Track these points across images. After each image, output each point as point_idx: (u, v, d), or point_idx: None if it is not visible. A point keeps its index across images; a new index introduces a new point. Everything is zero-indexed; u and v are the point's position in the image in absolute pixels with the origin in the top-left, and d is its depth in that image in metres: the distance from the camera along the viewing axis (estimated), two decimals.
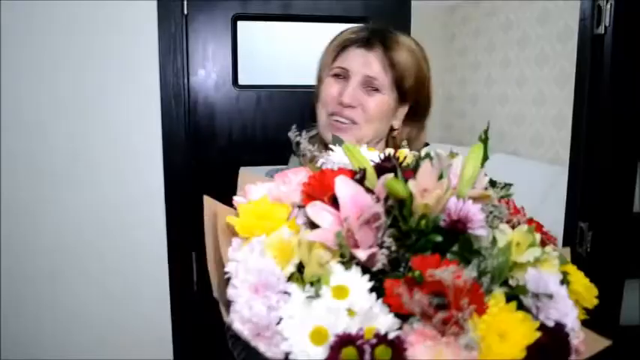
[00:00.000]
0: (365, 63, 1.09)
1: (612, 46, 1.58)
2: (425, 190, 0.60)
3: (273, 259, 0.59)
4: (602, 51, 1.60)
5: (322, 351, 0.51)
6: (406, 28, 2.01)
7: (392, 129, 1.17)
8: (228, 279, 0.59)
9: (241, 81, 1.95)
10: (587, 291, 0.66)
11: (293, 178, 0.69)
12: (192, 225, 1.90)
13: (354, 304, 0.54)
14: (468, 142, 4.57)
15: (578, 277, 0.66)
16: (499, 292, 0.58)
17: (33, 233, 1.82)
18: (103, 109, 1.80)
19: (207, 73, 1.90)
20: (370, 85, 1.10)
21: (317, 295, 0.55)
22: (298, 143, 0.77)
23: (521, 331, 0.55)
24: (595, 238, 1.68)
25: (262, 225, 0.62)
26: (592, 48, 1.62)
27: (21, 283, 1.84)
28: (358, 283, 0.56)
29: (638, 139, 1.66)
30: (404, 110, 1.16)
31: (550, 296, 0.58)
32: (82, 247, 1.86)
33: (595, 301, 0.66)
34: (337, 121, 1.11)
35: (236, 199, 0.69)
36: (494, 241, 0.61)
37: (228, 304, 0.59)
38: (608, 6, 1.56)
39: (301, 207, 0.65)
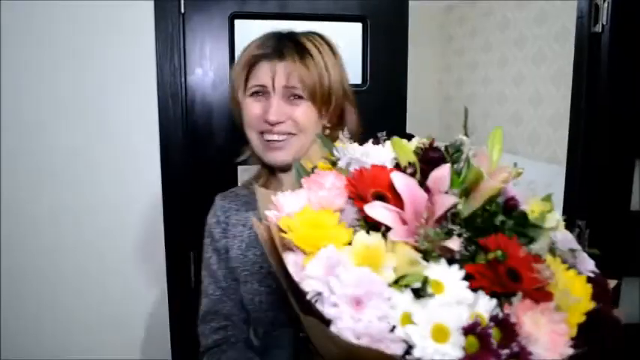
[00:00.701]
0: (280, 75, 1.07)
1: (609, 44, 1.59)
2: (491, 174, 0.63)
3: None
4: (599, 49, 1.61)
5: (450, 347, 0.52)
6: (404, 28, 2.01)
7: (324, 128, 1.16)
8: (312, 298, 0.57)
9: None
10: None
11: (325, 182, 0.67)
12: (190, 224, 1.91)
13: (455, 295, 0.55)
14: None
15: None
16: (549, 257, 0.63)
17: (33, 233, 1.82)
18: (103, 109, 1.81)
19: (205, 72, 1.90)
20: (292, 95, 1.08)
21: (427, 295, 0.55)
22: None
23: (579, 286, 0.61)
24: (592, 236, 1.69)
25: (328, 235, 0.60)
26: (589, 46, 1.64)
27: (21, 283, 1.84)
28: (449, 274, 0.57)
29: (635, 137, 1.67)
30: (328, 109, 1.14)
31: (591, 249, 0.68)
32: (82, 247, 1.86)
33: None
34: (270, 140, 1.09)
35: (268, 214, 0.67)
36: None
37: (323, 323, 0.56)
38: (606, 4, 1.57)
39: (341, 210, 0.65)
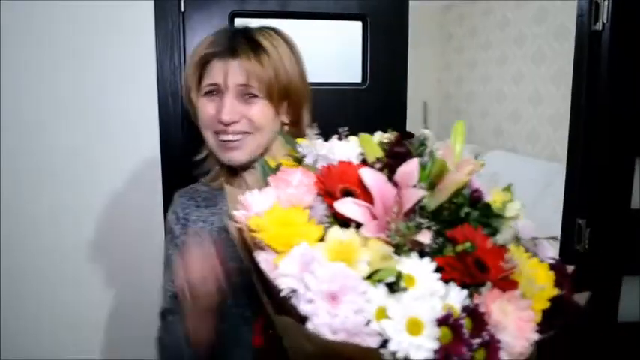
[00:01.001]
0: (233, 73, 1.04)
1: (609, 42, 1.58)
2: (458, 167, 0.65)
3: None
4: (599, 47, 1.61)
5: (424, 339, 0.53)
6: (404, 27, 2.01)
7: (283, 125, 1.14)
8: (286, 295, 0.57)
9: None
10: None
11: (292, 180, 0.67)
12: None
13: (427, 288, 0.56)
14: (465, 140, 4.59)
15: None
16: (512, 245, 0.65)
17: (33, 233, 1.82)
18: (103, 109, 1.80)
19: None
20: (246, 93, 1.05)
21: (400, 289, 0.56)
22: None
23: (542, 273, 0.63)
24: (593, 235, 1.69)
25: (299, 232, 0.60)
26: (589, 44, 1.63)
27: (21, 283, 1.83)
28: (420, 267, 0.57)
29: (635, 135, 1.67)
30: (285, 106, 1.12)
31: (555, 238, 0.69)
32: (82, 247, 1.86)
33: None
34: (225, 141, 1.07)
35: (237, 214, 0.66)
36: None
37: (298, 321, 0.56)
38: (606, 2, 1.57)
39: (310, 207, 0.65)
